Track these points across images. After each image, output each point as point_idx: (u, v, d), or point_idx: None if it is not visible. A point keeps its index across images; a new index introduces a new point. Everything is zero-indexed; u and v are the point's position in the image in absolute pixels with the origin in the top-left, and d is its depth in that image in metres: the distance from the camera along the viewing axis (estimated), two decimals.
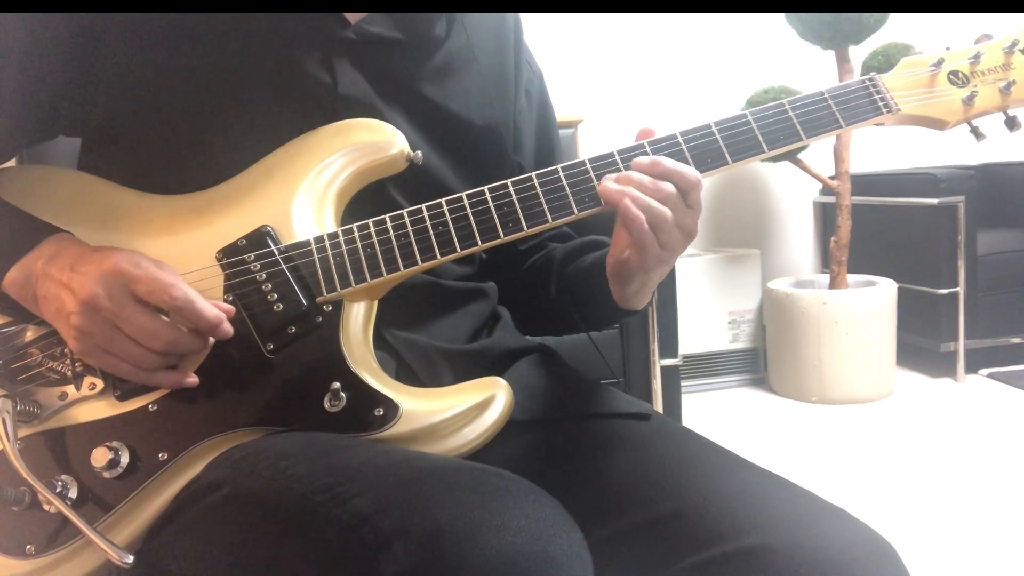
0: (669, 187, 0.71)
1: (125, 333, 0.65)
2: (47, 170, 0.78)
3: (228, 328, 0.67)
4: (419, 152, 0.75)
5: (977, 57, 0.79)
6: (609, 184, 0.72)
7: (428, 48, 0.81)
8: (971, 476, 2.07)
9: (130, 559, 0.63)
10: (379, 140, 0.75)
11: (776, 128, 0.76)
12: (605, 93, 3.06)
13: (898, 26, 2.69)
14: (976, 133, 0.80)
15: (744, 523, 0.62)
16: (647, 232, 0.70)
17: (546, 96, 0.96)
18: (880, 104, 0.78)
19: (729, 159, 0.75)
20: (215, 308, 0.67)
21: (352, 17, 0.77)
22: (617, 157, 0.73)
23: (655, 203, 0.70)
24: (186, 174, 0.75)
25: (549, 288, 0.90)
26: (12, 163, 0.81)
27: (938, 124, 0.80)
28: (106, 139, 0.78)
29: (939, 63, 0.79)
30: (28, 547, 0.67)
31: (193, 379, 0.68)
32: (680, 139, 0.74)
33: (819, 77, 2.89)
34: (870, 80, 0.79)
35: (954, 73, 0.79)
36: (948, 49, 0.80)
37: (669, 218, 0.71)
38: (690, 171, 0.72)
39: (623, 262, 0.75)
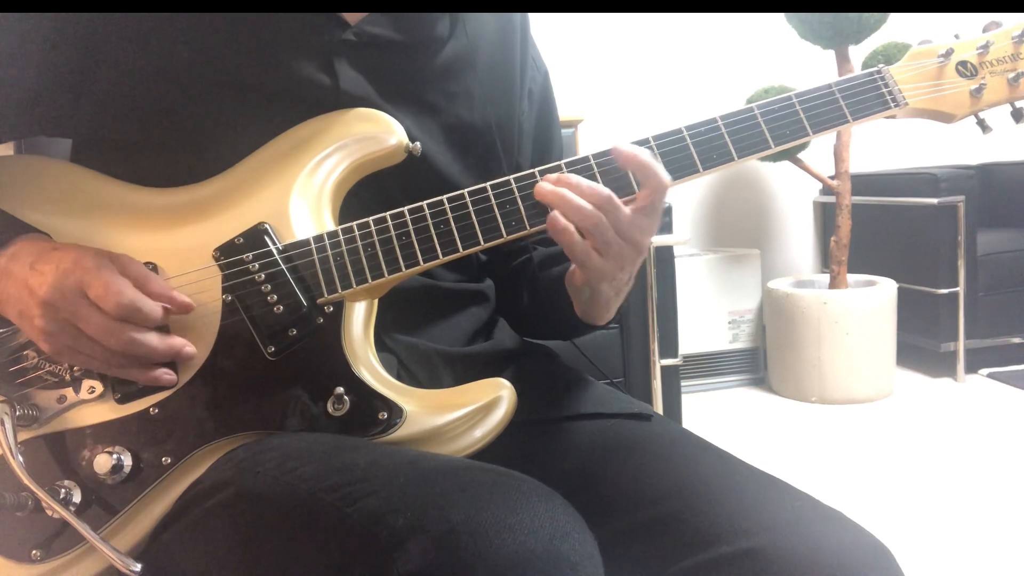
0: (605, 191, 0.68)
1: (86, 333, 0.65)
2: (39, 161, 0.77)
3: (184, 345, 0.68)
4: (418, 143, 0.74)
5: (986, 47, 0.77)
6: (544, 186, 0.69)
7: (430, 49, 0.80)
8: (971, 476, 2.07)
9: (138, 567, 0.63)
10: (377, 131, 0.74)
11: (783, 123, 0.74)
12: (605, 93, 3.06)
13: (898, 26, 2.69)
14: (983, 126, 0.79)
15: (741, 526, 0.62)
16: (579, 242, 0.68)
17: (549, 94, 0.94)
18: (888, 98, 0.76)
19: (735, 155, 0.73)
20: (158, 308, 0.66)
21: (351, 18, 0.76)
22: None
23: (587, 207, 0.67)
24: (183, 174, 0.74)
25: (522, 294, 0.90)
26: (10, 150, 0.80)
27: (946, 117, 0.78)
28: (94, 141, 0.77)
29: (947, 54, 0.78)
30: (34, 552, 0.66)
31: (171, 376, 0.67)
32: (685, 134, 0.73)
33: (819, 77, 2.88)
34: (878, 73, 0.77)
35: (963, 64, 0.78)
36: (957, 38, 0.79)
37: (604, 223, 0.68)
38: (664, 174, 0.69)
39: (571, 273, 0.73)
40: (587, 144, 2.76)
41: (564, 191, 0.68)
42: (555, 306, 0.82)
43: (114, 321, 0.64)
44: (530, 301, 0.88)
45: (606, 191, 0.68)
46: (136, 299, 0.65)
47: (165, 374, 0.67)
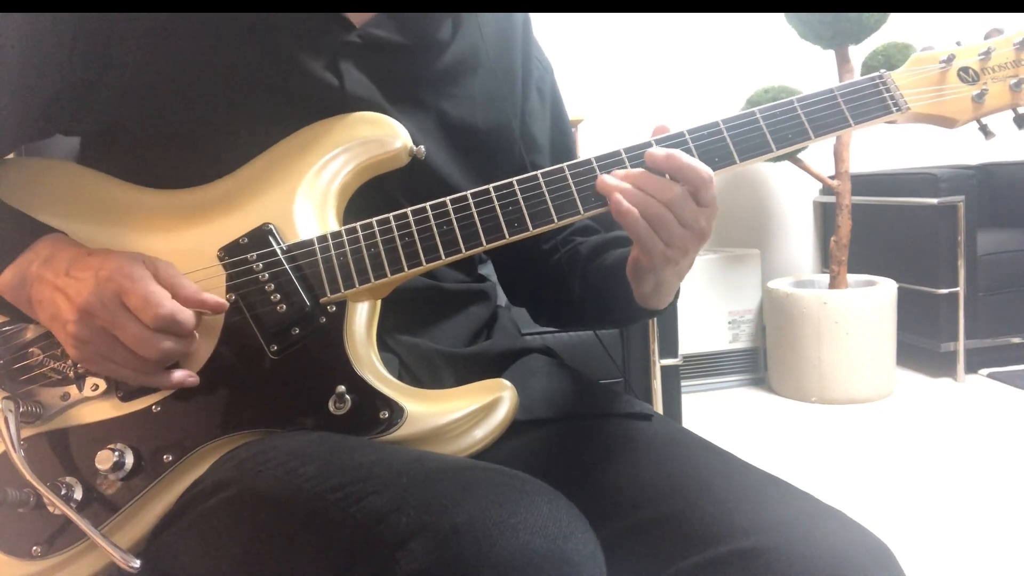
0: (672, 184, 0.69)
1: (121, 341, 0.65)
2: (44, 163, 0.77)
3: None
4: (422, 147, 0.75)
5: (988, 53, 0.78)
6: (606, 178, 0.70)
7: (433, 52, 0.81)
8: (971, 476, 2.07)
9: (137, 564, 0.63)
10: (382, 134, 0.74)
11: (785, 127, 0.74)
12: (605, 93, 3.06)
13: (898, 26, 2.69)
14: (985, 131, 0.79)
15: (742, 525, 0.62)
16: (644, 228, 0.69)
17: (557, 91, 0.95)
18: (890, 103, 0.76)
19: (737, 158, 0.73)
20: (193, 317, 0.66)
21: (355, 19, 0.76)
22: (624, 155, 0.72)
23: (651, 199, 0.69)
24: (189, 174, 0.74)
25: (573, 285, 0.89)
26: (11, 155, 0.80)
27: (948, 123, 0.79)
28: (105, 139, 0.77)
29: (949, 59, 0.78)
30: (34, 548, 0.67)
31: (194, 379, 0.67)
32: (688, 137, 0.73)
33: (819, 77, 2.89)
34: (880, 78, 0.77)
35: (964, 70, 0.78)
36: (959, 44, 0.79)
37: (667, 215, 0.69)
38: (702, 167, 0.69)
39: (634, 260, 0.75)
40: (587, 144, 2.76)
41: (628, 185, 0.69)
42: (612, 293, 0.82)
43: (150, 331, 0.65)
44: (582, 292, 0.88)
45: (677, 187, 0.69)
46: (174, 310, 0.65)
47: (188, 377, 0.67)
